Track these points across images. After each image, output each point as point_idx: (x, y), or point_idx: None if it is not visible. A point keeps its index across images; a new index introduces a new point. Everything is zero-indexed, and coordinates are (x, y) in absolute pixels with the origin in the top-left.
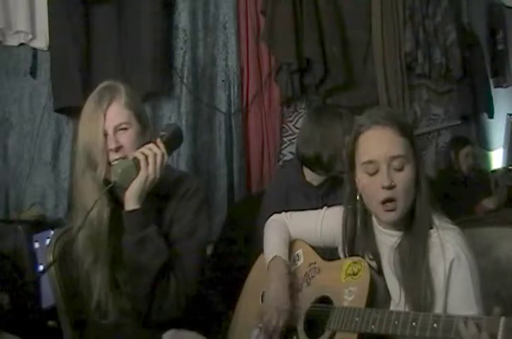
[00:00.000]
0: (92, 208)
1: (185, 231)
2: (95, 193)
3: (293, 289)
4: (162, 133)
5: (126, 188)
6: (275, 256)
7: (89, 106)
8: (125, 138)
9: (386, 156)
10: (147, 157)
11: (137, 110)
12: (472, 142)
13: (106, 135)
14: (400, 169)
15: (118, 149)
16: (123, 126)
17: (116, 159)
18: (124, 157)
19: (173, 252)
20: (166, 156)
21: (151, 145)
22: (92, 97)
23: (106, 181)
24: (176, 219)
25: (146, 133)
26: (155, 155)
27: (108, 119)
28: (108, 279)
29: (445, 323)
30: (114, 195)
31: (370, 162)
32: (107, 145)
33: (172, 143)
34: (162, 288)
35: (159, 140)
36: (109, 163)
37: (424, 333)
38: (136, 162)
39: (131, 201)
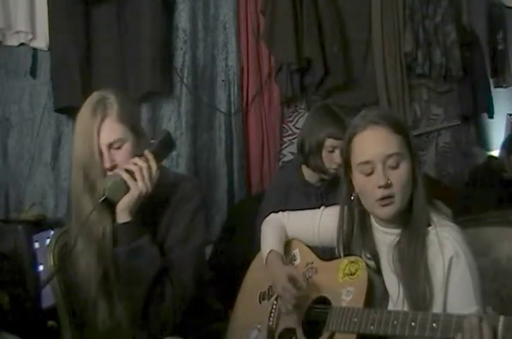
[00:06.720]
0: (87, 220)
1: (182, 236)
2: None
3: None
4: (152, 141)
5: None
6: (271, 250)
7: (82, 121)
8: (120, 156)
9: (381, 155)
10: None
11: (132, 122)
12: None
13: (101, 153)
14: (395, 167)
15: (113, 168)
16: (117, 144)
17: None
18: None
19: (169, 258)
20: (154, 167)
21: (136, 160)
22: (85, 110)
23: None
24: (173, 224)
25: (141, 143)
26: (141, 169)
27: (102, 137)
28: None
29: (444, 323)
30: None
31: (366, 162)
32: (103, 164)
33: (161, 151)
34: (158, 294)
35: (147, 151)
36: None
37: (423, 333)
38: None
39: (122, 214)
